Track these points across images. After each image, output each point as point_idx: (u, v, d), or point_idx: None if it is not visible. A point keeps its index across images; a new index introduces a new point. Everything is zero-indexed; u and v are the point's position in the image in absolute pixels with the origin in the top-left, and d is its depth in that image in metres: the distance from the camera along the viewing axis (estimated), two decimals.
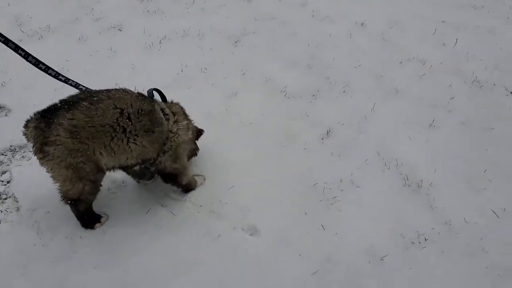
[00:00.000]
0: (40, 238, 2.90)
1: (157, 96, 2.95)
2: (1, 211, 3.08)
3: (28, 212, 3.04)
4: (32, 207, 3.07)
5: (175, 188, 3.12)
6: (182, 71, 4.26)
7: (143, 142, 2.68)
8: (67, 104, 2.50)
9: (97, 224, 2.96)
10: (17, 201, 3.13)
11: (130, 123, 2.60)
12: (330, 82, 4.06)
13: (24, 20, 5.09)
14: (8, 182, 3.27)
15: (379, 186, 3.13)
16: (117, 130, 2.57)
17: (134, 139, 2.64)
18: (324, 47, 4.50)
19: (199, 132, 3.26)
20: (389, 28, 4.71)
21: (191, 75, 4.22)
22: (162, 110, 2.80)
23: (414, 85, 3.99)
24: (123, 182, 3.25)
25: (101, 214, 3.00)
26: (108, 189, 3.21)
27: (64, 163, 2.53)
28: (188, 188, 3.16)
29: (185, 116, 3.00)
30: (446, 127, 3.57)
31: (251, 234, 2.91)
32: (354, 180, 3.18)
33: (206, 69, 4.28)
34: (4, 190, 3.22)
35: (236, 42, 4.63)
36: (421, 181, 3.12)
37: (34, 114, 2.53)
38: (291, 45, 4.55)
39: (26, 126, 2.53)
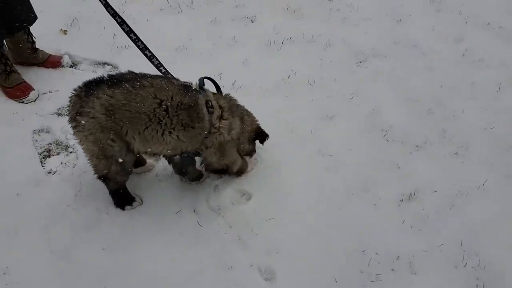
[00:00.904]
0: (75, 202, 2.92)
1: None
2: (62, 163, 3.20)
3: (79, 172, 3.10)
4: (85, 169, 3.10)
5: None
6: (288, 77, 3.95)
7: (179, 136, 2.57)
8: (111, 80, 2.45)
9: (128, 207, 2.87)
10: (77, 158, 3.22)
11: (167, 116, 2.48)
12: (445, 137, 3.35)
13: None
14: None
15: (442, 283, 2.46)
16: (152, 120, 2.48)
17: (170, 132, 2.54)
18: (458, 94, 3.74)
19: (260, 133, 3.01)
20: None
21: (296, 85, 3.88)
22: (208, 102, 2.62)
23: None
24: (172, 173, 3.11)
25: (136, 198, 2.91)
26: (156, 176, 3.11)
27: (92, 137, 2.48)
28: (239, 174, 3.07)
29: (232, 112, 2.75)
30: None
31: (266, 279, 2.54)
32: (413, 264, 2.55)
33: (314, 82, 3.90)
34: (74, 144, 3.32)
35: (360, 62, 4.13)
36: None
37: (82, 83, 2.52)
38: (420, 81, 3.89)
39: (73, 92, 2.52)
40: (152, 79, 2.49)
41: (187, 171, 2.98)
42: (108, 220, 2.81)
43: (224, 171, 2.97)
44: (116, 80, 2.44)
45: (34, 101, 3.72)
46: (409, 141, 3.33)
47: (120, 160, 2.58)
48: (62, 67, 4.12)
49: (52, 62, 4.11)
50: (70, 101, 2.50)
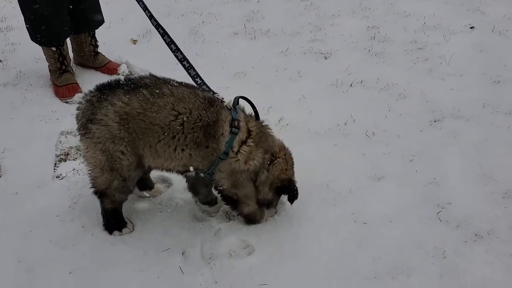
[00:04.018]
0: (66, 213, 2.69)
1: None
2: (74, 169, 3.03)
3: (84, 182, 2.84)
4: None
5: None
6: (345, 124, 3.44)
7: (192, 154, 2.27)
8: (129, 85, 2.21)
9: (116, 232, 2.57)
10: None
11: (182, 131, 2.19)
12: None
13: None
14: None
15: None
16: (166, 133, 2.20)
17: (183, 149, 2.24)
18: None
19: (287, 187, 2.53)
20: None
21: (351, 134, 3.36)
22: (234, 121, 2.29)
23: None
24: (176, 205, 2.77)
25: (128, 224, 2.60)
26: (159, 203, 2.79)
27: (101, 146, 2.24)
28: (250, 220, 2.65)
29: (258, 141, 2.38)
30: None
31: None
32: None
33: (373, 134, 3.34)
34: None
35: (435, 121, 3.47)
36: None
37: (95, 87, 2.30)
38: (505, 156, 3.12)
39: (83, 97, 2.33)
40: (174, 87, 2.22)
41: (199, 190, 2.67)
42: (89, 241, 2.53)
43: (234, 204, 2.57)
44: (134, 85, 2.20)
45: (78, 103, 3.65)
46: (469, 226, 2.63)
47: (125, 175, 2.33)
48: (118, 74, 4.05)
49: (109, 69, 4.06)
50: (79, 107, 2.30)
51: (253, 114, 2.53)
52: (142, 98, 2.17)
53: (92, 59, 4.03)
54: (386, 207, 2.77)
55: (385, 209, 2.75)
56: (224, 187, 2.45)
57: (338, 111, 3.58)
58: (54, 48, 3.60)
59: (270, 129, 2.52)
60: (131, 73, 4.11)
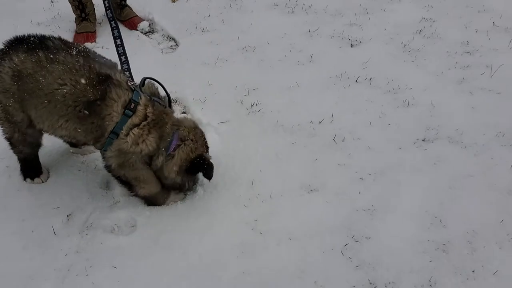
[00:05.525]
0: (4, 151, 2.89)
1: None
2: None
3: None
4: None
5: None
6: (320, 122, 3.09)
7: (76, 127, 2.26)
8: (31, 43, 2.22)
9: (28, 180, 2.70)
10: None
11: (63, 102, 2.18)
12: None
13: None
14: None
15: None
16: (47, 101, 2.21)
17: (66, 120, 2.24)
18: None
19: (197, 164, 2.43)
20: None
21: (318, 134, 3.02)
22: (131, 103, 2.23)
23: None
24: (95, 167, 2.81)
25: (43, 175, 2.71)
26: (82, 162, 2.85)
27: None
28: (149, 202, 2.58)
29: (152, 126, 2.29)
30: None
31: None
32: None
33: (343, 140, 2.95)
34: None
35: (423, 140, 2.93)
36: None
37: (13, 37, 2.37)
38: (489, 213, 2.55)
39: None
40: (70, 56, 2.19)
41: None
42: (2, 182, 2.70)
43: (126, 185, 2.49)
44: (35, 45, 2.21)
45: None
46: (370, 271, 2.20)
47: (23, 131, 2.43)
48: (136, 30, 4.15)
49: (131, 23, 4.19)
50: None
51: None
52: (35, 60, 2.16)
53: (118, 11, 4.18)
54: (296, 223, 2.46)
55: (293, 225, 2.45)
56: (112, 166, 2.38)
57: (322, 107, 3.21)
58: None
59: (172, 116, 2.42)
60: (152, 31, 4.18)
